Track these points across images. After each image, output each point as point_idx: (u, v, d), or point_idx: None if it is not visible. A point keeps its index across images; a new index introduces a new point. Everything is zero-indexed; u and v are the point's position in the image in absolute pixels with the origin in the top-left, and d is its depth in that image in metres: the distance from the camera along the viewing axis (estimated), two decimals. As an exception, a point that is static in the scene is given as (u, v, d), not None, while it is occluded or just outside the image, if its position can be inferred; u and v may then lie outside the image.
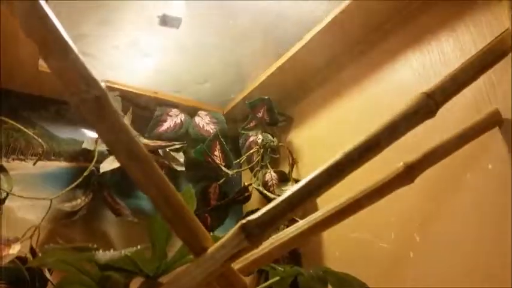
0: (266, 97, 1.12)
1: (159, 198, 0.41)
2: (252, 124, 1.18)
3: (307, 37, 0.97)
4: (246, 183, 1.11)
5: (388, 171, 0.52)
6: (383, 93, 0.92)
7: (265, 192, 1.04)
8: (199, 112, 1.22)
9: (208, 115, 1.21)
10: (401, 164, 0.53)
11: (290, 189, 0.45)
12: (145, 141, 1.05)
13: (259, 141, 1.13)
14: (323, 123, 1.08)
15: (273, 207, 0.43)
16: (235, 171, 1.11)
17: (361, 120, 0.94)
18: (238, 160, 1.15)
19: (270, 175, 1.09)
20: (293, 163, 1.13)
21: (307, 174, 0.45)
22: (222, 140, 1.10)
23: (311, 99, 1.15)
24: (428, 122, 0.47)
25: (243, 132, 1.19)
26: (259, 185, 1.07)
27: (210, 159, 1.06)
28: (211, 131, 1.17)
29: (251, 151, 1.15)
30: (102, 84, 0.38)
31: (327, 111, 1.08)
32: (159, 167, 0.42)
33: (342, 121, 1.00)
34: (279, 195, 0.66)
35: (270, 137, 1.14)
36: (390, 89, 0.89)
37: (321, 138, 1.08)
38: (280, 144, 1.17)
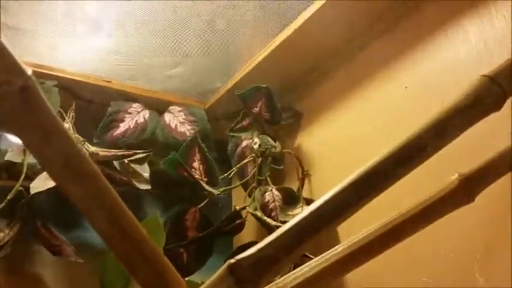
0: (264, 85, 1.12)
1: (111, 231, 0.40)
2: (245, 123, 1.17)
3: (317, 5, 0.97)
4: (237, 207, 1.10)
5: (438, 187, 0.52)
6: (427, 76, 0.88)
7: (265, 218, 1.03)
8: (171, 108, 1.21)
9: (184, 111, 1.20)
10: (456, 176, 0.52)
11: (299, 215, 0.44)
12: (94, 149, 1.05)
13: (256, 146, 1.12)
14: (345, 121, 1.07)
15: (275, 240, 0.43)
16: (222, 189, 1.10)
17: (398, 115, 0.94)
18: (226, 174, 1.14)
19: (272, 194, 1.08)
20: (304, 177, 1.12)
21: (323, 192, 0.45)
22: (202, 145, 1.09)
23: (326, 88, 1.14)
24: (492, 118, 0.47)
25: (232, 134, 1.18)
26: (256, 209, 1.07)
27: (186, 173, 1.05)
28: (188, 134, 1.16)
29: (244, 161, 1.14)
30: (30, 71, 0.37)
31: (348, 103, 1.07)
32: (112, 186, 0.41)
33: (371, 117, 1.00)
34: (283, 223, 0.66)
35: (270, 140, 1.14)
36: (437, 70, 0.87)
37: (342, 141, 1.07)
38: (285, 150, 1.16)
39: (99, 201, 0.40)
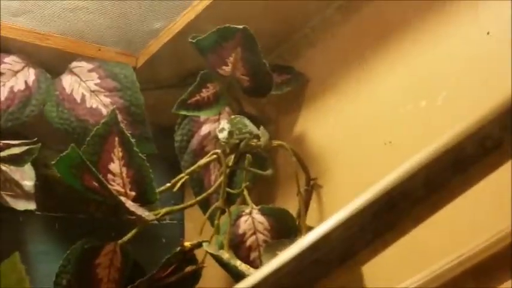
0: (240, 26, 1.11)
1: None
2: (206, 93, 1.18)
3: None
4: (187, 243, 1.10)
5: None
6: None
7: (236, 265, 1.04)
8: (75, 64, 1.22)
9: (97, 71, 1.21)
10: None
11: (279, 257, 0.46)
12: None
13: (224, 135, 1.11)
14: (377, 91, 1.09)
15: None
16: (163, 211, 1.10)
17: (475, 76, 0.96)
18: (169, 184, 1.14)
19: (252, 221, 1.10)
20: (310, 190, 1.13)
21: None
22: (127, 133, 1.09)
23: (341, 40, 1.15)
24: None
25: (183, 113, 1.18)
26: (221, 247, 1.08)
27: (97, 183, 1.05)
28: (104, 111, 1.17)
29: (202, 161, 1.14)
30: None
31: (381, 63, 1.08)
32: None
33: (426, 84, 1.02)
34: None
35: (250, 125, 1.14)
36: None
37: (374, 126, 1.08)
38: (276, 143, 1.17)
39: None
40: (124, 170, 1.10)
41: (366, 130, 1.11)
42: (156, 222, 1.12)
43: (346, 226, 0.46)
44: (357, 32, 1.16)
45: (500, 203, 0.81)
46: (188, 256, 1.09)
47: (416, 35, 1.06)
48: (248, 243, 1.09)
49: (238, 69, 1.16)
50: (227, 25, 1.13)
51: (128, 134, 1.10)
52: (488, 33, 0.96)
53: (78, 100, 1.18)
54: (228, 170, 1.14)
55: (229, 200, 1.14)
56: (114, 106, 1.16)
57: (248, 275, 1.00)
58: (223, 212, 1.12)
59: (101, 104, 1.19)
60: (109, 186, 1.06)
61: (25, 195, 1.10)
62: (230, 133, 1.11)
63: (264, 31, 1.18)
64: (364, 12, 1.14)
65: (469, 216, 0.85)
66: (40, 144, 1.11)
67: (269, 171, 1.17)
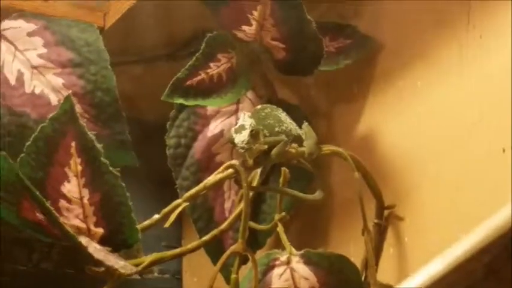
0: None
1: None
2: (214, 69, 1.20)
3: None
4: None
5: None
6: None
7: None
8: (7, 24, 1.24)
9: (43, 35, 1.23)
10: None
11: None
12: None
13: (243, 136, 1.09)
14: (493, 71, 1.07)
15: None
16: (148, 260, 1.09)
17: None
18: (159, 215, 1.13)
19: (290, 273, 1.11)
20: (385, 224, 1.16)
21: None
22: (90, 135, 1.10)
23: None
24: None
25: (179, 101, 1.20)
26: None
27: (43, 215, 1.06)
28: (56, 99, 1.19)
29: (214, 177, 1.14)
30: None
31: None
32: None
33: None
34: None
35: (286, 121, 1.15)
36: None
37: (478, 124, 1.07)
38: (328, 149, 1.18)
39: None
40: (86, 193, 1.10)
41: (472, 129, 1.11)
42: (137, 276, 1.11)
43: (442, 286, 0.42)
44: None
45: None
46: None
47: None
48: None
49: (267, 31, 1.19)
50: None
51: (92, 136, 1.11)
52: None
53: (12, 81, 1.20)
54: (251, 194, 1.13)
55: (255, 241, 1.16)
56: (70, 91, 1.17)
57: None
58: (244, 260, 1.11)
59: (49, 87, 1.20)
60: (62, 219, 1.07)
61: None
62: (254, 134, 1.09)
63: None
64: None
65: None
66: None
67: (317, 195, 1.18)
